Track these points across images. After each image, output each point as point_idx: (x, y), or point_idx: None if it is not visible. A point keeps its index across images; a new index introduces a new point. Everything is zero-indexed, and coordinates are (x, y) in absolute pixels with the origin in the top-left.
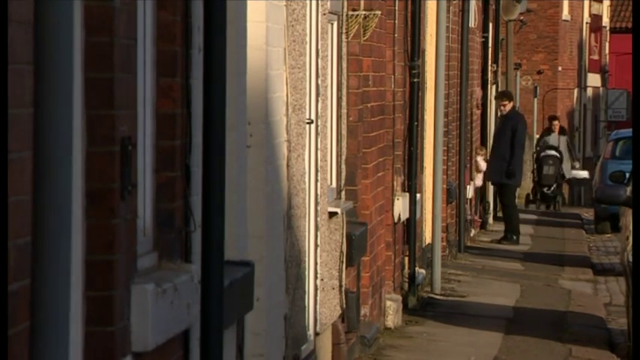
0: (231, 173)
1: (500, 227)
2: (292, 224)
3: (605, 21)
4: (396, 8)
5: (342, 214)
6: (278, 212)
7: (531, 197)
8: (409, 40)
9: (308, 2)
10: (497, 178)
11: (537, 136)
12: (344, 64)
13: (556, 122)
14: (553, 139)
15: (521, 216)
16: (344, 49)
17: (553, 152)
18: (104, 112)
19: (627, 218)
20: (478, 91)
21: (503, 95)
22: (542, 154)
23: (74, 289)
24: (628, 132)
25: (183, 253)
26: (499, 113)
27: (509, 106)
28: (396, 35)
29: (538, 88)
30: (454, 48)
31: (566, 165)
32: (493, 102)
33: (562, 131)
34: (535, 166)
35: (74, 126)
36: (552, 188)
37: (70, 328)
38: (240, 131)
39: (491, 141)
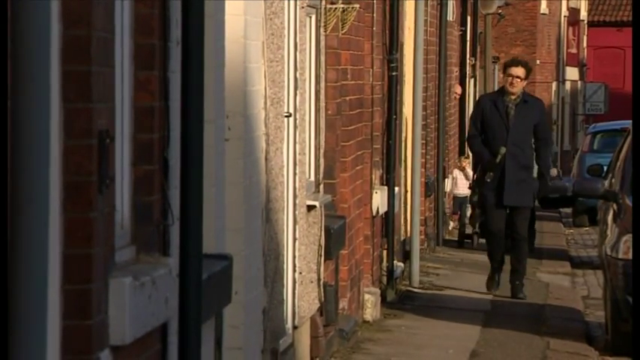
0: (209, 166)
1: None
2: (271, 217)
3: (583, 14)
4: (375, 1)
5: (321, 207)
6: (256, 205)
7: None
8: (387, 34)
9: None
10: None
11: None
12: (322, 58)
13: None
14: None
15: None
16: (322, 43)
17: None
18: (81, 106)
19: (605, 211)
20: (457, 88)
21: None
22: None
23: (51, 282)
24: (606, 125)
25: (162, 247)
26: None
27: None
28: (374, 28)
29: None
30: (432, 41)
31: None
32: (472, 96)
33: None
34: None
35: (51, 119)
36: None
37: (47, 321)
38: (218, 124)
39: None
